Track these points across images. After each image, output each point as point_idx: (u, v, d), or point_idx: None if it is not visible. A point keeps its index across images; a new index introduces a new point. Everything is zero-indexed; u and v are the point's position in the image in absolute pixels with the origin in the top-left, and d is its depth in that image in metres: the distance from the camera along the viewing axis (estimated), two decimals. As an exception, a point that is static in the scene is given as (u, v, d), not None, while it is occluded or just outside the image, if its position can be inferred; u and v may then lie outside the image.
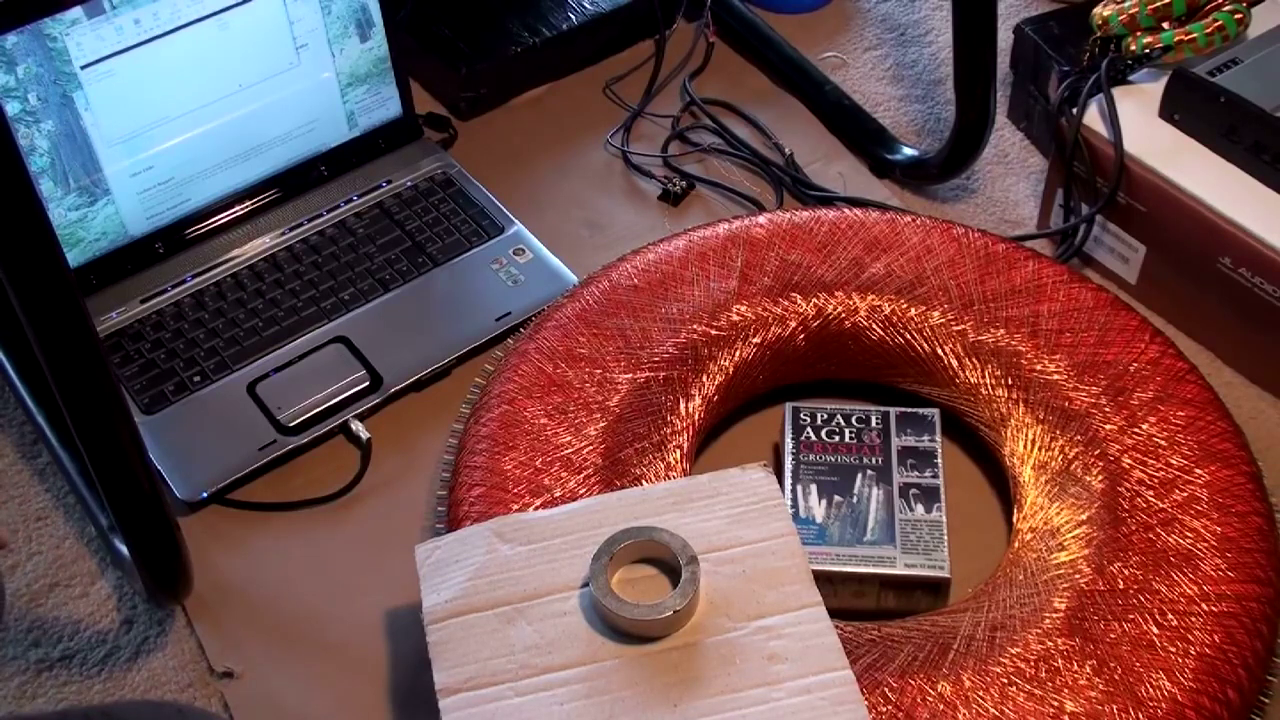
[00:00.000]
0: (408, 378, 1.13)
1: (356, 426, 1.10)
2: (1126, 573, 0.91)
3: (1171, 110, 1.14)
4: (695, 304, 1.07)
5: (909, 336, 1.06)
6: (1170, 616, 0.88)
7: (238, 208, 1.23)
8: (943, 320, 1.06)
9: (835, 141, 1.35)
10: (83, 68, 1.08)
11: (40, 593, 1.04)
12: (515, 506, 0.96)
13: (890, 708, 0.85)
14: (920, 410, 1.05)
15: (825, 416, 1.04)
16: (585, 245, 1.25)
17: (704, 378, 1.05)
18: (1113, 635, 0.87)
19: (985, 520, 1.04)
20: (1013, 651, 0.87)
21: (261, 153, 1.22)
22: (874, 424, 1.04)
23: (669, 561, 0.83)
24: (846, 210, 1.14)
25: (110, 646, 1.00)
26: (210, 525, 1.07)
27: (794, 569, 0.83)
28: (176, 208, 1.20)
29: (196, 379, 1.13)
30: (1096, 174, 1.17)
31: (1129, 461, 0.96)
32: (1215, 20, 1.16)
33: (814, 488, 1.00)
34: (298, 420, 1.10)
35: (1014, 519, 0.99)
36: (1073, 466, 0.98)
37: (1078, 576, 0.91)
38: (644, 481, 0.98)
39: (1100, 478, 0.96)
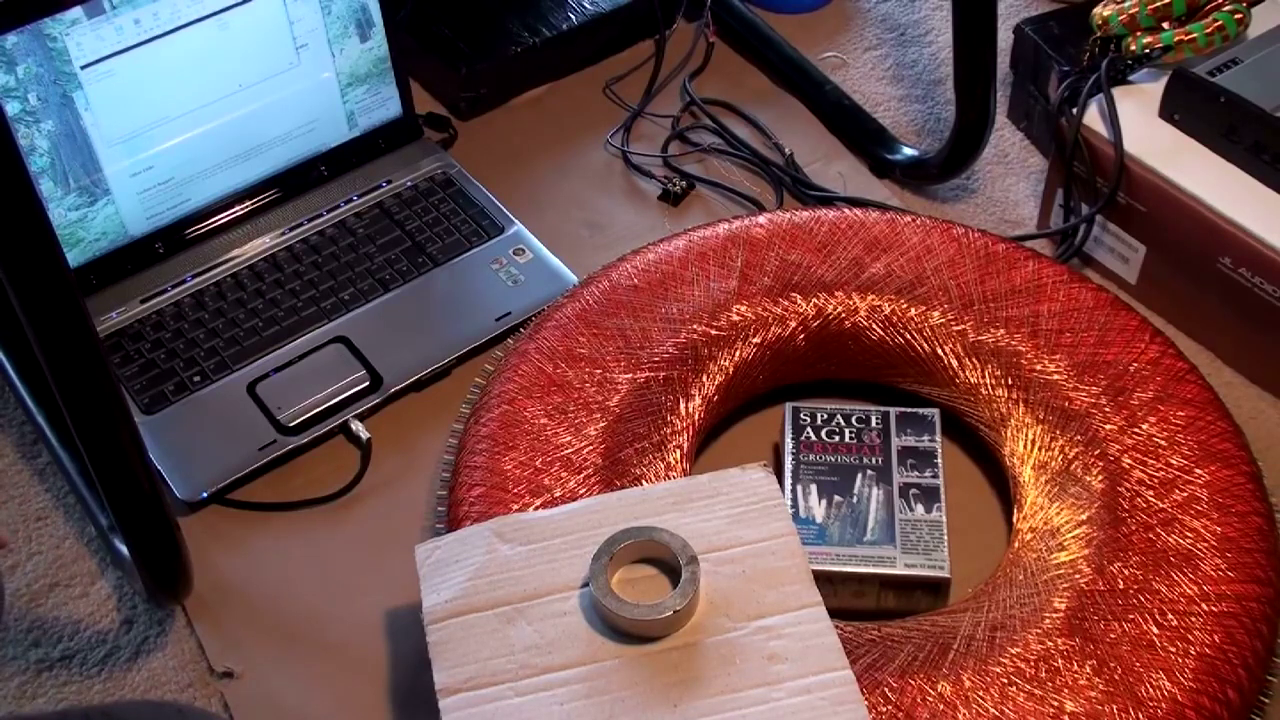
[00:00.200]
0: (408, 378, 1.13)
1: (356, 426, 1.10)
2: (1126, 573, 0.91)
3: (1171, 110, 1.14)
4: (695, 304, 1.07)
5: (909, 336, 1.06)
6: (1170, 616, 0.88)
7: (238, 208, 1.23)
8: (943, 320, 1.06)
9: (835, 141, 1.35)
10: (83, 68, 1.08)
11: (40, 593, 1.04)
12: (515, 506, 0.96)
13: (890, 708, 0.85)
14: (920, 410, 1.05)
15: (825, 416, 1.04)
16: (585, 245, 1.25)
17: (704, 378, 1.05)
18: (1113, 635, 0.87)
19: (985, 520, 1.04)
20: (1013, 651, 0.87)
21: (261, 153, 1.22)
22: (874, 424, 1.04)
23: (669, 561, 0.83)
24: (846, 210, 1.14)
25: (110, 646, 1.00)
26: (210, 525, 1.07)
27: (794, 569, 0.83)
28: (176, 208, 1.20)
29: (196, 379, 1.13)
30: (1096, 174, 1.17)
31: (1129, 461, 0.96)
32: (1215, 20, 1.16)
33: (814, 488, 1.00)
34: (298, 420, 1.10)
35: (1014, 519, 0.99)
36: (1073, 466, 0.98)
37: (1078, 576, 0.91)
38: (644, 481, 0.98)
39: (1100, 478, 0.96)
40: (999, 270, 1.08)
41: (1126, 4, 1.19)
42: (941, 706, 0.84)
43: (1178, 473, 0.95)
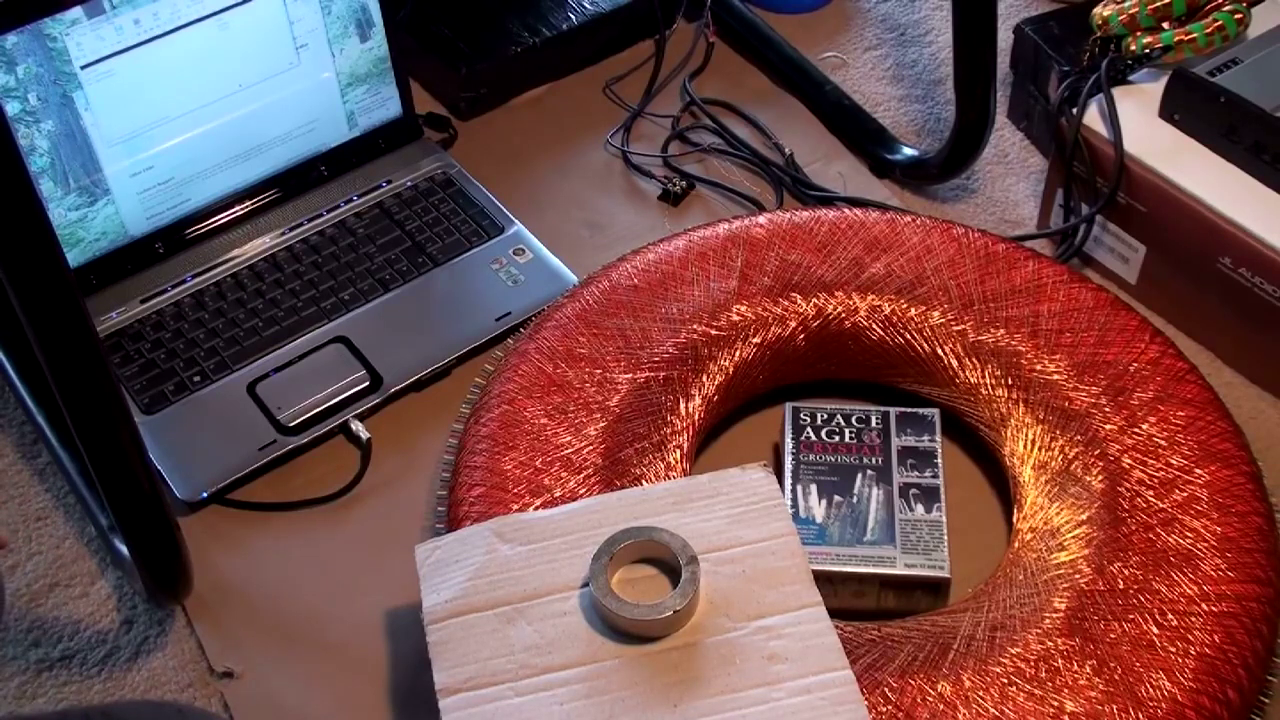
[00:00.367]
0: (408, 378, 1.13)
1: (356, 426, 1.10)
2: (1126, 573, 0.91)
3: (1171, 110, 1.14)
4: (695, 304, 1.07)
5: (909, 336, 1.06)
6: (1170, 616, 0.88)
7: (238, 208, 1.23)
8: (943, 320, 1.06)
9: (835, 141, 1.35)
10: (83, 68, 1.08)
11: (40, 593, 1.04)
12: (515, 506, 0.96)
13: (890, 708, 0.85)
14: (920, 410, 1.05)
15: (825, 416, 1.04)
16: (585, 245, 1.25)
17: (704, 378, 1.05)
18: (1113, 635, 0.87)
19: (985, 520, 1.04)
20: (1013, 651, 0.87)
21: (261, 153, 1.22)
22: (874, 424, 1.04)
23: (669, 561, 0.83)
24: (846, 210, 1.14)
25: (110, 646, 1.00)
26: (210, 525, 1.07)
27: (794, 569, 0.83)
28: (176, 208, 1.20)
29: (196, 379, 1.13)
30: (1096, 174, 1.17)
31: (1129, 461, 0.96)
32: (1215, 20, 1.16)
33: (814, 488, 1.00)
34: (298, 420, 1.10)
35: (1014, 519, 0.99)
36: (1073, 466, 0.98)
37: (1078, 576, 0.91)
38: (644, 481, 0.98)
39: (1100, 478, 0.96)
40: (999, 270, 1.08)
41: (1126, 4, 1.19)
42: (941, 706, 0.84)
43: (1178, 473, 0.95)
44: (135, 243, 1.19)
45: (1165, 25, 1.18)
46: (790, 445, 1.03)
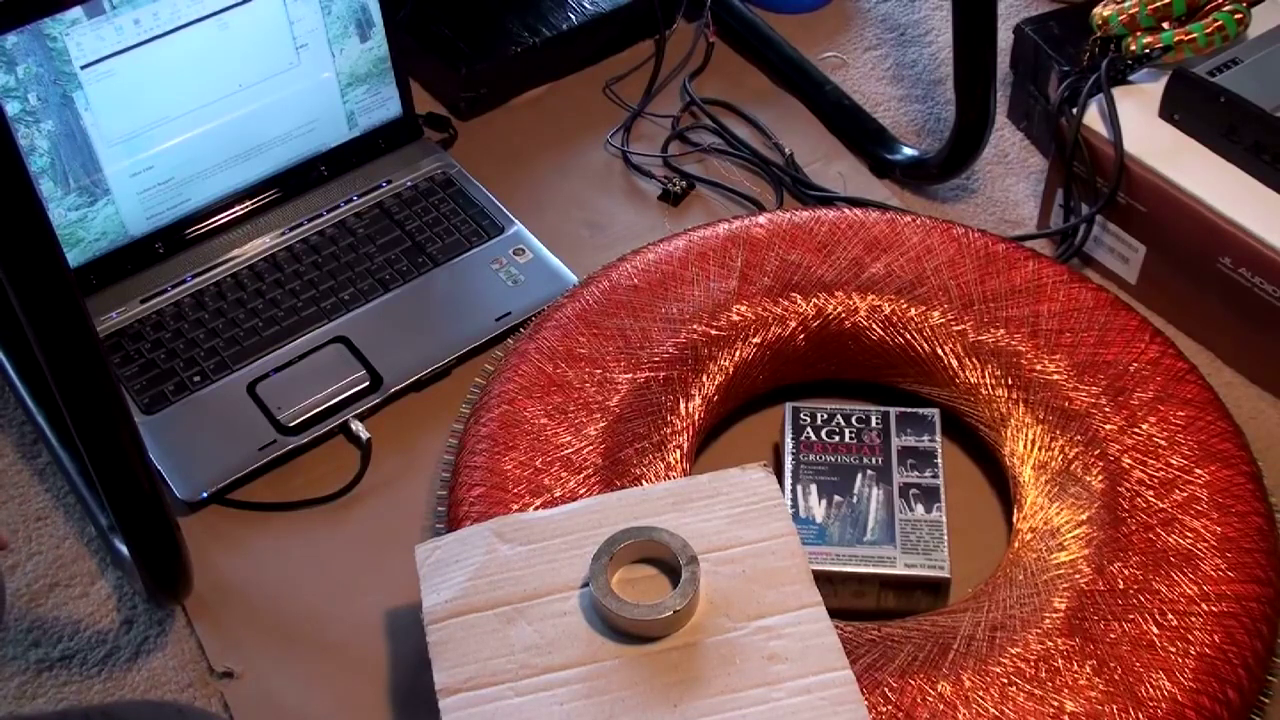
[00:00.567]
0: (408, 378, 1.13)
1: (356, 426, 1.10)
2: (1126, 573, 0.91)
3: (1171, 110, 1.14)
4: (695, 304, 1.07)
5: (909, 336, 1.06)
6: (1170, 616, 0.88)
7: (238, 208, 1.23)
8: (943, 320, 1.06)
9: (835, 141, 1.35)
10: (83, 68, 1.08)
11: (40, 593, 1.04)
12: (515, 506, 0.96)
13: (890, 708, 0.85)
14: (920, 410, 1.05)
15: (825, 416, 1.04)
16: (585, 245, 1.25)
17: (704, 378, 1.05)
18: (1113, 635, 0.87)
19: (985, 520, 1.04)
20: (1013, 651, 0.87)
21: (261, 153, 1.22)
22: (874, 424, 1.04)
23: (669, 561, 0.83)
24: (846, 210, 1.14)
25: (110, 646, 1.00)
26: (210, 525, 1.07)
27: (794, 569, 0.83)
28: (176, 208, 1.20)
29: (196, 379, 1.13)
30: (1096, 174, 1.17)
31: (1129, 461, 0.96)
32: (1215, 20, 1.16)
33: (814, 488, 1.00)
34: (298, 420, 1.10)
35: (1014, 519, 0.99)
36: (1073, 466, 0.98)
37: (1078, 576, 0.91)
38: (644, 481, 0.98)
39: (1100, 478, 0.96)
40: (999, 270, 1.08)
41: (1126, 4, 1.19)
42: (941, 706, 0.84)
43: (1178, 473, 0.95)
44: (135, 243, 1.19)
45: (1165, 25, 1.18)
46: (790, 445, 1.03)
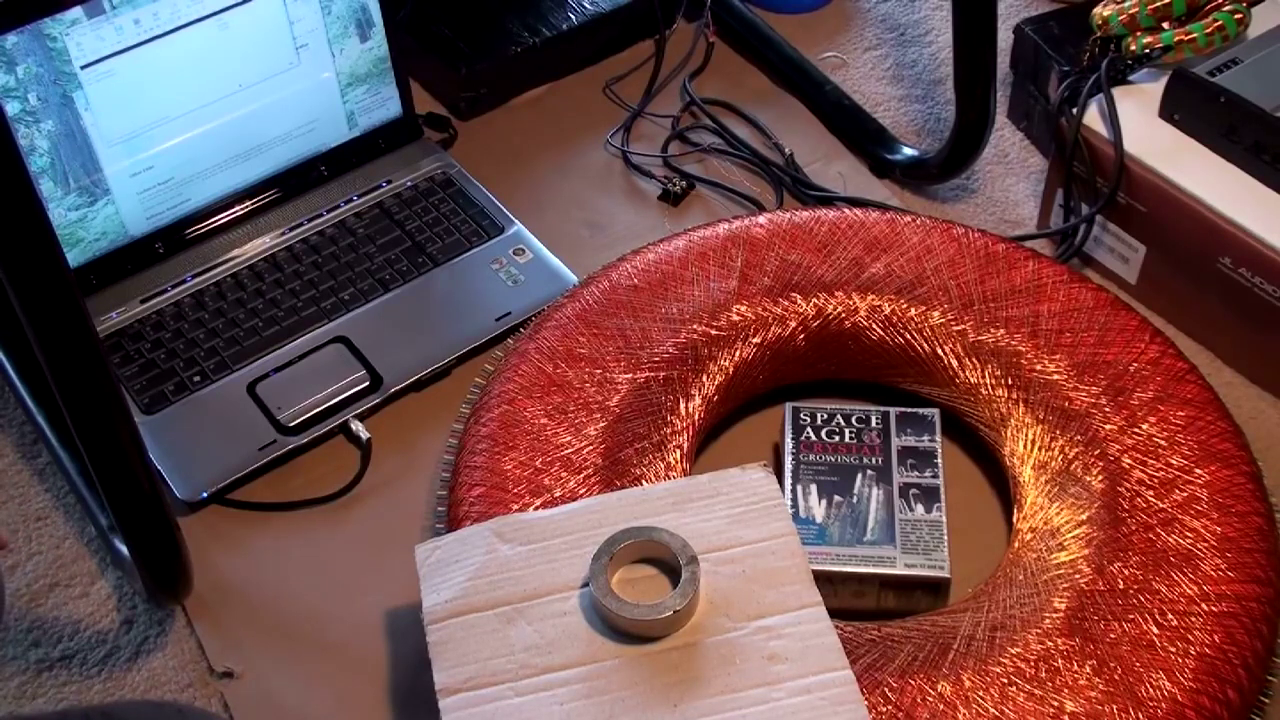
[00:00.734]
0: (408, 378, 1.13)
1: (356, 426, 1.10)
2: (1126, 573, 0.91)
3: (1171, 110, 1.14)
4: (695, 304, 1.07)
5: (909, 336, 1.06)
6: (1170, 616, 0.88)
7: (238, 208, 1.23)
8: (943, 320, 1.06)
9: (835, 141, 1.35)
10: (83, 68, 1.08)
11: (40, 593, 1.04)
12: (515, 506, 0.96)
13: (890, 708, 0.85)
14: (920, 410, 1.05)
15: (825, 416, 1.04)
16: (585, 245, 1.25)
17: (704, 378, 1.05)
18: (1113, 635, 0.87)
19: (985, 520, 1.04)
20: (1013, 651, 0.87)
21: (261, 153, 1.22)
22: (874, 424, 1.04)
23: (669, 561, 0.83)
24: (846, 210, 1.14)
25: (110, 646, 1.00)
26: (210, 525, 1.07)
27: (794, 569, 0.83)
28: (176, 208, 1.20)
29: (196, 379, 1.13)
30: (1096, 174, 1.17)
31: (1129, 461, 0.96)
32: (1215, 20, 1.16)
33: (814, 488, 1.00)
34: (298, 420, 1.10)
35: (1014, 519, 0.99)
36: (1073, 466, 0.98)
37: (1078, 576, 0.91)
38: (644, 481, 0.98)
39: (1100, 478, 0.96)
40: (999, 270, 1.08)
41: (1126, 4, 1.19)
42: (941, 706, 0.84)
43: (1178, 473, 0.95)
44: (135, 243, 1.19)
45: (1165, 25, 1.18)
46: (790, 445, 1.03)
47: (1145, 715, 0.84)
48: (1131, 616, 0.88)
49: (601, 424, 1.01)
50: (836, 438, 1.03)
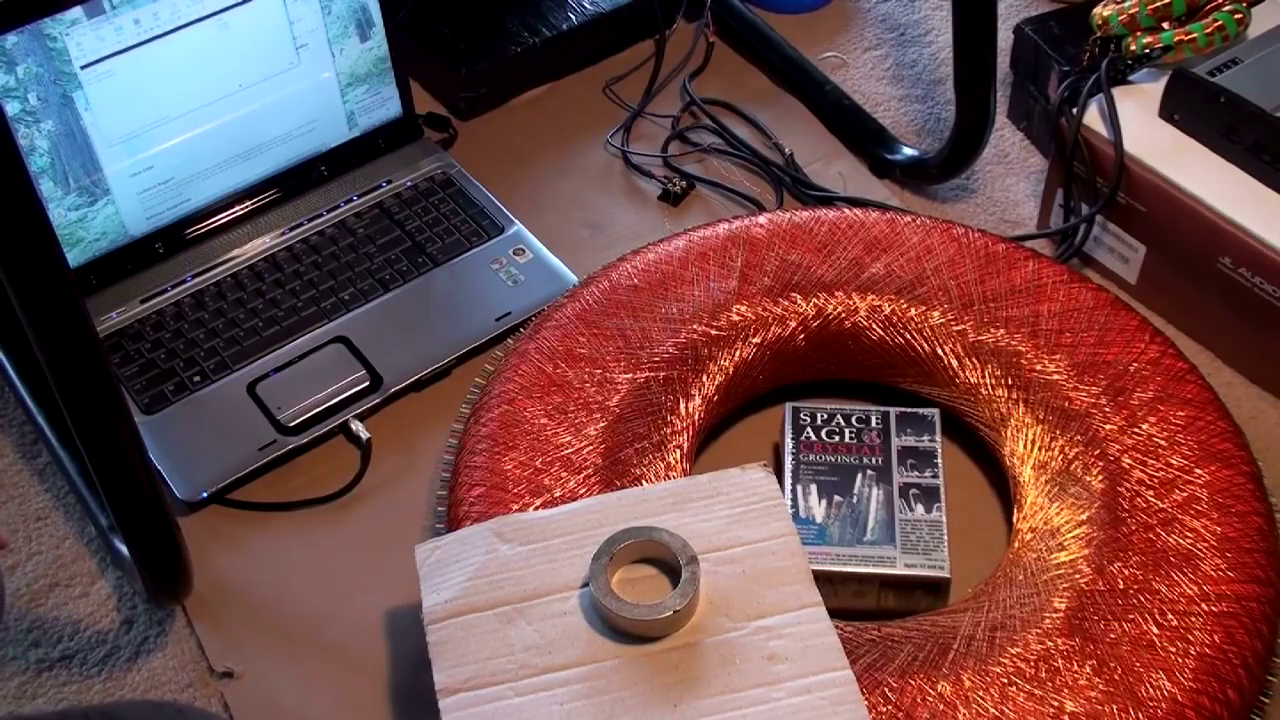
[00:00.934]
0: (408, 378, 1.13)
1: (356, 426, 1.10)
2: (1126, 573, 0.91)
3: (1171, 110, 1.14)
4: (695, 304, 1.07)
5: (909, 336, 1.06)
6: (1170, 616, 0.88)
7: (238, 208, 1.23)
8: (943, 320, 1.06)
9: (835, 141, 1.35)
10: (83, 68, 1.08)
11: (40, 593, 1.04)
12: (515, 506, 0.96)
13: (890, 708, 0.85)
14: (920, 410, 1.05)
15: (825, 416, 1.04)
16: (585, 245, 1.25)
17: (704, 378, 1.05)
18: (1113, 635, 0.87)
19: (985, 520, 1.04)
20: (1013, 651, 0.87)
21: (261, 153, 1.22)
22: (874, 424, 1.04)
23: (669, 561, 0.83)
24: (846, 210, 1.14)
25: (110, 646, 1.00)
26: (210, 525, 1.07)
27: (794, 569, 0.83)
28: (176, 208, 1.20)
29: (196, 379, 1.13)
30: (1096, 174, 1.17)
31: (1129, 461, 0.96)
32: (1215, 20, 1.16)
33: (814, 488, 1.00)
34: (298, 420, 1.10)
35: (1014, 519, 0.99)
36: (1073, 466, 0.98)
37: (1078, 576, 0.91)
38: (644, 481, 0.98)
39: (1100, 478, 0.96)
40: (999, 270, 1.08)
41: (1126, 4, 1.19)
42: (941, 706, 0.84)
43: (1178, 473, 0.95)
44: (135, 243, 1.19)
45: (1165, 25, 1.18)
46: (790, 445, 1.03)
47: (1145, 715, 0.84)
48: (1131, 616, 0.88)
49: (601, 424, 1.01)
50: (836, 438, 1.03)
